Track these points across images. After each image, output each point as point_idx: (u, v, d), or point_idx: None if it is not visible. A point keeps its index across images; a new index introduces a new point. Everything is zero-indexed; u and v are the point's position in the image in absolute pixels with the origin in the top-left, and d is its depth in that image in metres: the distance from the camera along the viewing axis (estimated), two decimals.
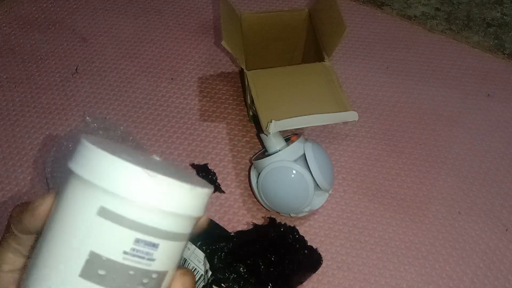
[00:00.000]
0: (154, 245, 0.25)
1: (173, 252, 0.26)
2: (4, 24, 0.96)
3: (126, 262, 0.24)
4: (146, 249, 0.25)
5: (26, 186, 0.73)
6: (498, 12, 1.02)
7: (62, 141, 0.74)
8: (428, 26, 0.99)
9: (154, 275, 0.25)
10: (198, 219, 0.28)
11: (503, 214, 0.71)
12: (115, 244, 0.24)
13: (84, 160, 0.25)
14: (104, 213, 0.24)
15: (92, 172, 0.25)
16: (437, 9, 1.02)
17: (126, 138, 0.76)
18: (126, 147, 0.32)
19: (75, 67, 0.89)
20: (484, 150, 0.78)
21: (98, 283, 0.24)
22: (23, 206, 0.28)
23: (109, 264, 0.24)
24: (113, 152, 0.26)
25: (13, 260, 0.29)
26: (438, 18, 1.00)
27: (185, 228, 0.27)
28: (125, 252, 0.24)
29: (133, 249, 0.24)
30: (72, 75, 0.88)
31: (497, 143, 0.79)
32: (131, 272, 0.25)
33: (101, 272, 0.24)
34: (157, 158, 0.31)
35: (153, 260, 0.25)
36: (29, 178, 0.74)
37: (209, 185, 0.29)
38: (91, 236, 0.25)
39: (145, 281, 0.25)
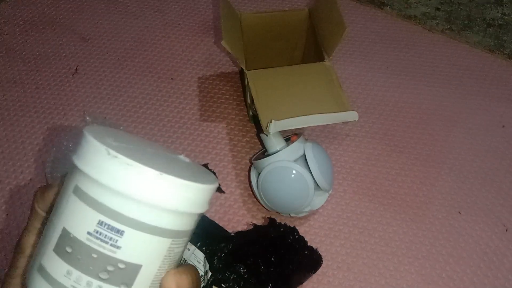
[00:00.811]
0: (119, 231, 0.24)
1: (148, 245, 0.25)
2: (4, 24, 0.96)
3: (89, 244, 0.24)
4: (110, 234, 0.24)
5: (26, 186, 0.73)
6: (498, 12, 1.02)
7: (62, 141, 0.74)
8: (428, 26, 0.98)
9: (121, 265, 0.24)
10: (182, 216, 0.26)
11: (503, 214, 0.71)
12: (81, 223, 0.24)
13: (77, 145, 0.26)
14: (77, 191, 0.24)
15: (76, 153, 0.25)
16: (437, 9, 1.02)
17: None
18: (144, 142, 0.30)
19: (75, 67, 0.89)
20: (484, 150, 0.78)
21: (65, 260, 0.24)
22: (46, 185, 0.29)
23: (75, 243, 0.24)
24: (106, 138, 0.25)
25: (37, 243, 0.28)
26: (438, 18, 1.00)
27: (162, 221, 0.25)
28: (88, 233, 0.24)
29: (96, 231, 0.24)
30: (72, 75, 0.88)
31: (497, 143, 0.79)
32: (94, 255, 0.24)
33: (68, 249, 0.24)
34: (186, 160, 0.30)
35: (118, 247, 0.24)
36: (29, 178, 0.74)
37: (212, 179, 0.27)
38: (65, 213, 0.25)
39: (110, 268, 0.24)
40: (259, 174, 0.65)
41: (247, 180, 0.74)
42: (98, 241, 0.24)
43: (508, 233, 0.69)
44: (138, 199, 0.24)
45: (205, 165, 0.74)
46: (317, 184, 0.63)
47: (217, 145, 0.78)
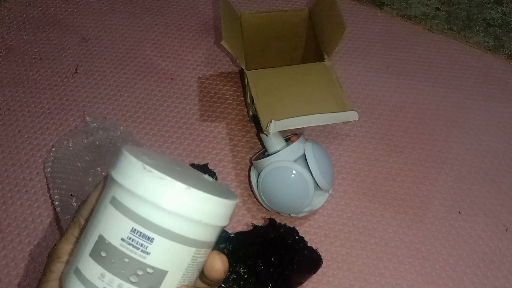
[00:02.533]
0: (149, 239, 0.26)
1: (174, 253, 0.27)
2: (4, 24, 0.96)
3: (122, 249, 0.26)
4: (141, 241, 0.26)
5: (26, 186, 0.73)
6: (498, 12, 1.02)
7: (62, 141, 0.74)
8: (428, 26, 0.98)
9: (149, 270, 0.27)
10: (205, 227, 0.28)
11: (503, 214, 0.71)
12: (116, 230, 0.27)
13: (115, 161, 0.29)
14: (114, 202, 0.27)
15: (114, 168, 0.28)
16: (437, 9, 1.02)
17: (126, 138, 0.76)
18: (174, 161, 0.33)
19: (75, 67, 0.89)
20: (484, 150, 0.78)
21: (99, 263, 0.27)
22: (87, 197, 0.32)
23: (110, 248, 0.27)
24: (141, 156, 0.28)
25: (73, 250, 0.31)
26: (438, 18, 1.00)
27: (188, 231, 0.27)
28: (122, 239, 0.26)
29: (129, 238, 0.26)
30: (72, 75, 0.88)
31: (497, 143, 0.79)
32: (126, 260, 0.26)
33: (103, 254, 0.27)
34: (209, 179, 0.33)
35: (147, 253, 0.26)
36: (29, 178, 0.74)
37: (233, 196, 0.30)
38: (102, 221, 0.27)
39: (139, 272, 0.26)
40: (259, 174, 0.65)
41: (247, 180, 0.74)
42: (130, 247, 0.26)
43: (508, 233, 0.69)
44: (168, 210, 0.26)
45: (205, 165, 0.74)
46: (317, 184, 0.63)
47: (217, 145, 0.78)
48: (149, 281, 0.27)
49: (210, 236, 0.29)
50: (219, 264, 0.30)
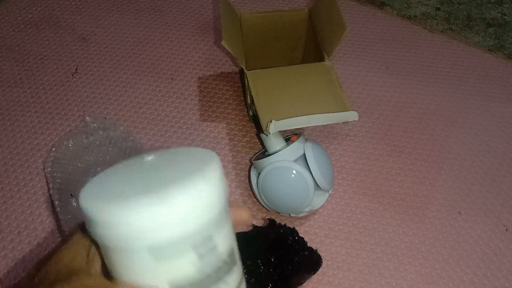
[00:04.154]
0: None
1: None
2: (4, 24, 0.96)
3: (203, 270, 0.26)
4: (208, 246, 0.26)
5: (26, 186, 0.73)
6: (498, 12, 1.02)
7: (62, 141, 0.74)
8: (428, 26, 0.98)
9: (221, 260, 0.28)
10: (198, 220, 0.26)
11: (503, 214, 0.71)
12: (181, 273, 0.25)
13: (87, 220, 0.25)
14: (152, 252, 0.24)
15: (101, 229, 0.25)
16: (437, 9, 1.02)
17: (126, 138, 0.76)
18: (119, 170, 0.30)
19: (75, 67, 0.89)
20: (484, 150, 0.78)
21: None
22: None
23: (192, 283, 0.25)
24: (95, 199, 0.26)
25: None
26: (438, 18, 1.00)
27: (199, 212, 0.25)
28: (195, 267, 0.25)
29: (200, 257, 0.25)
30: (72, 75, 0.88)
31: (497, 143, 0.79)
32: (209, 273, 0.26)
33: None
34: (149, 157, 0.29)
35: (217, 245, 0.27)
36: (29, 178, 0.74)
37: (210, 156, 0.28)
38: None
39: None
40: (259, 174, 0.65)
41: (247, 180, 0.74)
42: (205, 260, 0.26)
43: (508, 233, 0.69)
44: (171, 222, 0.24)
45: None
46: (317, 184, 0.63)
47: (217, 145, 0.78)
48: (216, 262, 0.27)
49: (211, 212, 0.26)
50: (245, 215, 0.31)
